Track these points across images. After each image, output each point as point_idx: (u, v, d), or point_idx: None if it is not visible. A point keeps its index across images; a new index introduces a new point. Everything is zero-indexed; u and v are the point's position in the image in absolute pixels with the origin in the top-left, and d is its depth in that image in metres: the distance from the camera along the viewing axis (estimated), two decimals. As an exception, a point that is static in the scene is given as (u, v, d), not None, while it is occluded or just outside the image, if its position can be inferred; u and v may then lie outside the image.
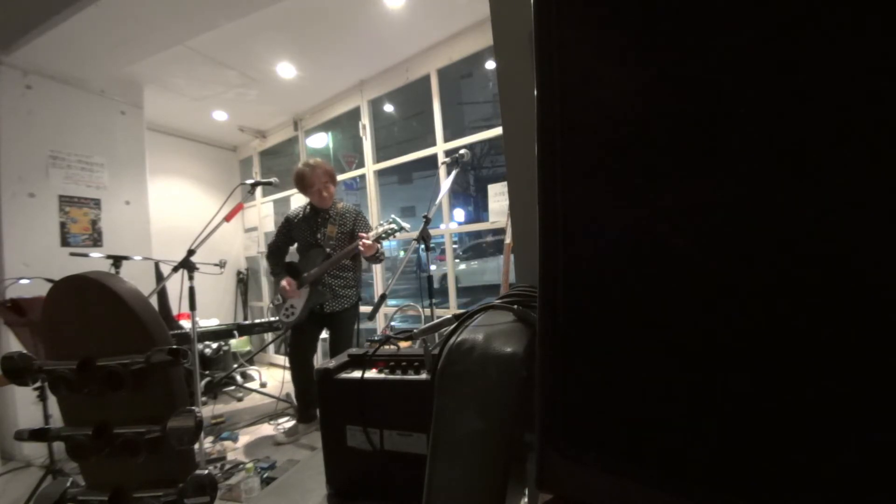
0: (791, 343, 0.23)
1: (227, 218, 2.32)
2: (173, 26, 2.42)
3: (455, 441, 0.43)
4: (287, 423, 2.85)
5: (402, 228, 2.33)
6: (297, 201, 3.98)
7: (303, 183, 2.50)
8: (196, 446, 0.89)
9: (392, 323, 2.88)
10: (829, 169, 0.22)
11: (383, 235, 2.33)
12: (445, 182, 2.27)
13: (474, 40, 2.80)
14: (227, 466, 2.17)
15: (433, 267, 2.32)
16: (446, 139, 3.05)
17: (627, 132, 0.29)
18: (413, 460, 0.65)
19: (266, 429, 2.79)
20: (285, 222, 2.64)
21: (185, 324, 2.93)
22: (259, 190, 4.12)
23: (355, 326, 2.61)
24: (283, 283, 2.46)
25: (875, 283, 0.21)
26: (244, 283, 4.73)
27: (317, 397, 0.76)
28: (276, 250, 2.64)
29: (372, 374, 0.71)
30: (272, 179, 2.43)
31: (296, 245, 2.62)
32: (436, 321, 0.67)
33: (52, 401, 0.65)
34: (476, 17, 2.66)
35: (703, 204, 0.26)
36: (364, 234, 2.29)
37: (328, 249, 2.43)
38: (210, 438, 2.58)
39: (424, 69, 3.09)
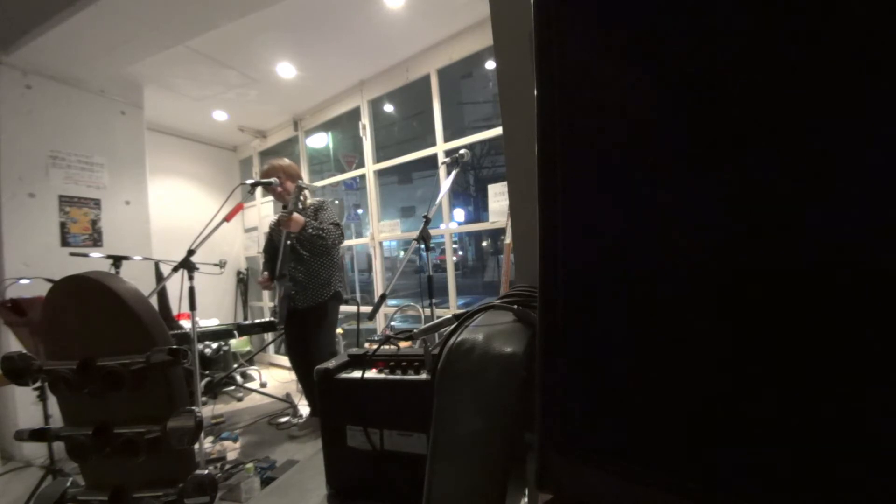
0: (794, 343, 0.23)
1: (227, 218, 2.32)
2: (173, 26, 2.42)
3: (455, 441, 0.43)
4: (289, 422, 2.85)
5: (301, 190, 2.32)
6: (297, 201, 3.98)
7: None
8: (196, 446, 0.88)
9: (392, 323, 2.88)
10: (832, 170, 0.22)
11: (296, 203, 2.30)
12: (445, 182, 2.27)
13: (474, 40, 2.80)
14: (227, 466, 2.17)
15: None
16: (446, 139, 3.05)
17: (627, 132, 0.29)
18: (413, 460, 0.65)
19: (266, 429, 2.79)
20: (268, 231, 2.70)
21: (185, 324, 2.93)
22: (259, 190, 4.12)
23: (330, 325, 2.53)
24: (259, 277, 2.57)
25: (878, 283, 0.21)
26: (244, 283, 4.73)
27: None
28: (266, 257, 2.69)
29: (372, 374, 0.71)
30: (272, 179, 2.43)
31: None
32: (436, 321, 0.67)
33: (52, 401, 0.65)
34: (476, 17, 2.66)
35: (703, 204, 0.26)
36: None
37: (287, 241, 2.37)
38: (210, 438, 2.58)
39: (424, 69, 3.09)
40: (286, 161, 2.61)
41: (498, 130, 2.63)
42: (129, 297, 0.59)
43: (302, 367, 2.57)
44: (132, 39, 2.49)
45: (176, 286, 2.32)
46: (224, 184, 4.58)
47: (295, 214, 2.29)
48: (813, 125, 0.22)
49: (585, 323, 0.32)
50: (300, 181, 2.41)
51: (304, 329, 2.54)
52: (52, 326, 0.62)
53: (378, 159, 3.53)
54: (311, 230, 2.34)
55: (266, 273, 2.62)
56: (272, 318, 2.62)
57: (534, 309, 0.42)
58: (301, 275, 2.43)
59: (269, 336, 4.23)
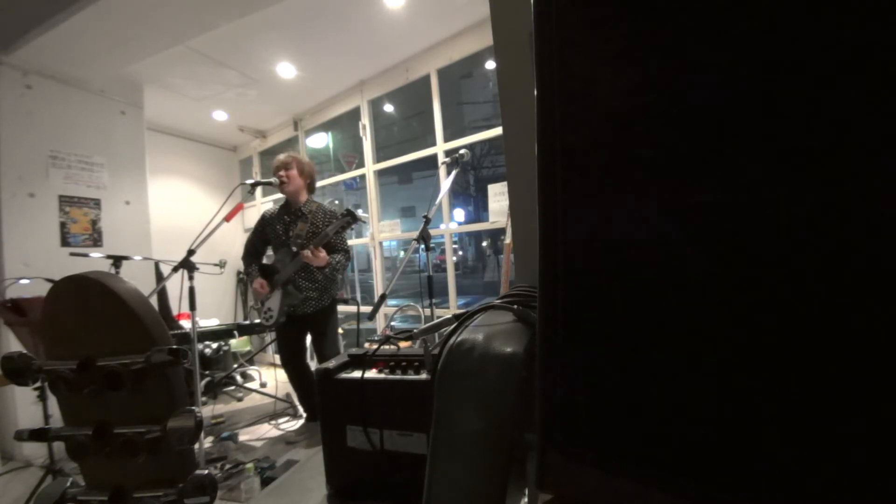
0: (791, 343, 0.23)
1: (227, 218, 2.32)
2: (173, 26, 2.42)
3: (455, 441, 0.43)
4: (289, 422, 2.85)
5: (355, 221, 2.18)
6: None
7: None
8: (196, 446, 0.89)
9: (392, 323, 2.88)
10: (830, 169, 0.22)
11: (335, 237, 2.22)
12: (445, 182, 2.27)
13: (474, 40, 2.80)
14: (227, 466, 2.17)
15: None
16: (446, 139, 3.05)
17: (628, 132, 0.29)
18: (413, 460, 0.65)
19: (266, 429, 2.79)
20: (259, 220, 2.57)
21: (185, 324, 2.93)
22: (259, 190, 4.12)
23: (334, 327, 2.54)
24: (255, 284, 2.40)
25: (875, 280, 0.21)
26: (244, 283, 4.72)
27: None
28: (251, 250, 2.56)
29: (372, 374, 0.71)
30: (272, 179, 2.42)
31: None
32: (436, 321, 0.67)
33: (52, 401, 0.65)
34: (476, 17, 2.66)
35: (703, 204, 0.26)
36: (312, 247, 2.18)
37: (294, 248, 2.28)
38: (210, 438, 2.58)
39: (424, 69, 3.09)
40: (306, 158, 2.56)
41: (498, 130, 2.63)
42: (129, 297, 0.58)
43: (300, 371, 2.56)
44: (132, 39, 2.49)
45: (176, 286, 2.32)
46: (224, 184, 4.58)
47: (323, 253, 2.21)
48: (814, 126, 0.22)
49: (585, 323, 0.32)
50: (357, 211, 2.17)
51: (306, 334, 2.53)
52: (52, 326, 0.62)
53: (378, 159, 3.53)
54: (328, 270, 2.30)
55: (261, 280, 2.39)
56: (261, 320, 2.48)
57: (534, 309, 0.42)
58: (306, 282, 2.40)
59: (269, 336, 4.23)
